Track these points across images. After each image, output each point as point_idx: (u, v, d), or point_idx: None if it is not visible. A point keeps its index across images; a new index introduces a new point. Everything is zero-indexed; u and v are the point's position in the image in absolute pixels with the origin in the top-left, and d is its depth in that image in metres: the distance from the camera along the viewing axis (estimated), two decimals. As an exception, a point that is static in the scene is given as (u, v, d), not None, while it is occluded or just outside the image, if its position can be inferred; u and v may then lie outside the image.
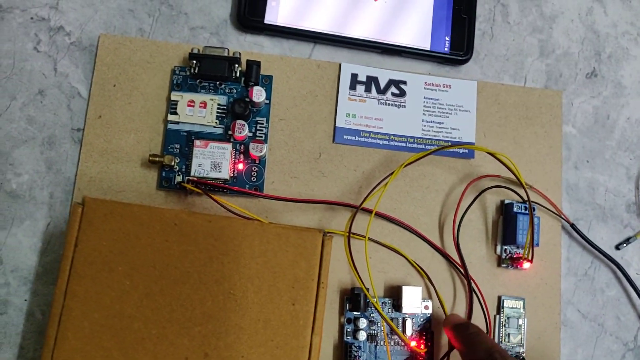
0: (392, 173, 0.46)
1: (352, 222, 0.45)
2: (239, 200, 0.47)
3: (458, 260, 0.48)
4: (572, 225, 0.51)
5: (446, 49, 0.52)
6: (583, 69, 0.55)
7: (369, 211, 0.47)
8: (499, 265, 0.50)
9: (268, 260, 0.39)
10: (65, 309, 0.37)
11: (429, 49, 0.51)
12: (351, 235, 0.46)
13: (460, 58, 0.52)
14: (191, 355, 0.37)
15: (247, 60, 0.48)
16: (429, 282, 0.48)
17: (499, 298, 0.49)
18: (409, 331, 0.47)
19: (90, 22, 0.49)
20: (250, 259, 0.39)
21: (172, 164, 0.46)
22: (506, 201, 0.50)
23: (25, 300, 0.45)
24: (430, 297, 0.48)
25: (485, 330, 0.47)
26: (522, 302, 0.49)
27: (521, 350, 0.48)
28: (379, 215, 0.48)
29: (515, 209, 0.49)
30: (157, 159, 0.45)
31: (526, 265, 0.48)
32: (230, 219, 0.39)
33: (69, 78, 0.48)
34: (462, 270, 0.48)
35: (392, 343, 0.46)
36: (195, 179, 0.45)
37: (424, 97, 0.51)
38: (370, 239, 0.48)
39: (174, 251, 0.38)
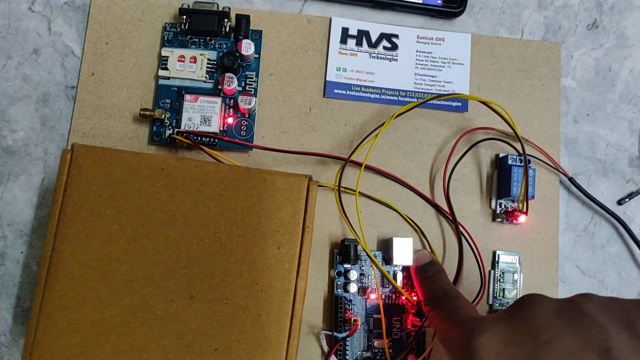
0: (382, 124, 0.45)
1: (342, 174, 0.45)
2: (229, 154, 0.47)
3: (449, 212, 0.47)
4: (571, 179, 0.50)
5: (439, 1, 0.51)
6: (584, 20, 0.53)
7: (360, 164, 0.47)
8: (493, 219, 0.49)
9: (253, 204, 0.39)
10: (55, 251, 0.38)
11: (421, 2, 0.51)
12: (341, 189, 0.46)
13: (454, 11, 0.51)
14: (177, 297, 0.38)
15: (236, 15, 0.48)
16: (421, 234, 0.48)
17: (494, 253, 0.48)
18: (400, 284, 0.46)
19: (83, -18, 0.50)
20: (236, 203, 0.39)
21: (163, 117, 0.46)
22: (501, 154, 0.49)
23: (22, 252, 0.46)
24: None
25: (480, 285, 0.46)
26: (517, 257, 0.48)
27: (516, 305, 0.47)
28: (369, 168, 0.48)
29: (509, 162, 0.48)
30: (147, 112, 0.46)
31: (521, 218, 0.47)
32: (216, 164, 0.39)
33: (63, 37, 0.49)
34: (453, 223, 0.47)
35: (383, 297, 0.46)
36: (185, 132, 0.45)
37: (417, 51, 0.51)
38: (360, 193, 0.48)
39: (161, 195, 0.39)
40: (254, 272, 0.38)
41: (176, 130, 0.46)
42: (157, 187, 0.39)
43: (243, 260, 0.38)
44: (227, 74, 0.46)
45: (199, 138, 0.46)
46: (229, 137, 0.47)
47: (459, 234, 0.47)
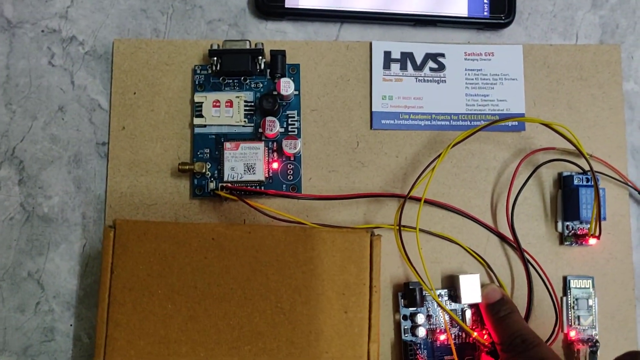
0: (439, 156, 0.42)
1: (401, 214, 0.42)
2: (277, 202, 0.44)
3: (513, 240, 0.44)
4: (641, 192, 0.46)
5: (485, 13, 0.47)
6: (641, 16, 0.49)
7: (417, 199, 0.44)
8: (561, 243, 0.46)
9: (314, 267, 0.36)
10: (109, 338, 0.35)
11: (466, 15, 0.47)
12: (401, 228, 0.43)
13: (502, 21, 0.47)
14: (243, 376, 0.35)
15: (271, 51, 0.45)
16: (487, 268, 0.45)
17: (565, 278, 0.45)
18: (469, 323, 0.44)
19: (103, 27, 0.47)
20: (295, 268, 0.36)
21: (204, 170, 0.44)
22: (564, 173, 0.46)
23: (71, 325, 0.44)
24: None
25: (554, 314, 0.44)
26: (590, 281, 0.45)
27: (594, 333, 0.45)
28: (427, 202, 0.45)
29: (575, 182, 0.44)
30: (187, 167, 0.43)
31: (592, 241, 0.44)
32: (270, 227, 0.37)
33: (88, 90, 0.46)
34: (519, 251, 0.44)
35: (453, 336, 0.43)
36: (229, 184, 0.42)
37: (465, 69, 0.47)
38: (420, 230, 0.45)
39: (214, 268, 0.36)
40: (322, 341, 0.36)
41: (219, 184, 0.43)
42: (210, 259, 0.36)
43: (309, 330, 0.36)
44: (268, 118, 0.43)
45: (243, 189, 0.43)
46: (276, 183, 0.44)
47: (525, 262, 0.44)
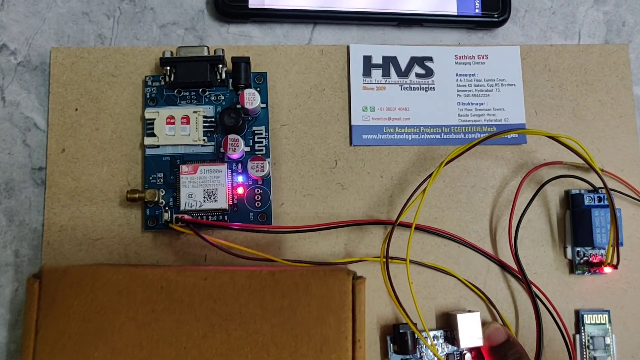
0: (430, 175, 0.36)
1: (389, 244, 0.36)
2: (244, 232, 0.38)
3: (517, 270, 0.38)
4: (658, 210, 0.41)
5: (477, 11, 0.41)
6: (650, 12, 0.44)
7: (406, 226, 0.38)
8: (571, 272, 0.40)
9: (286, 320, 0.30)
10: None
11: (455, 13, 0.41)
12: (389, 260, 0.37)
13: (495, 20, 0.42)
14: None
15: (233, 58, 0.38)
16: (488, 303, 0.39)
17: (577, 313, 0.40)
18: (470, 368, 0.38)
19: (38, 34, 0.40)
20: (263, 321, 0.30)
21: (156, 199, 0.37)
22: (572, 191, 0.40)
23: (2, 385, 0.37)
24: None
25: (567, 355, 0.38)
26: (606, 316, 0.39)
27: (612, 375, 0.39)
28: (417, 228, 0.39)
29: (586, 201, 0.39)
30: (137, 195, 0.37)
31: (608, 270, 0.39)
32: (231, 272, 0.30)
33: (21, 107, 0.39)
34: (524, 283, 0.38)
35: (452, 384, 0.38)
36: (184, 216, 0.36)
37: (456, 74, 0.41)
38: (411, 261, 0.39)
39: (164, 323, 0.30)
40: (298, 406, 0.29)
41: (174, 214, 0.36)
42: (158, 313, 0.30)
43: (283, 393, 0.29)
44: (231, 136, 0.37)
45: (200, 222, 0.37)
46: (241, 212, 0.38)
47: (533, 296, 0.38)
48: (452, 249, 0.40)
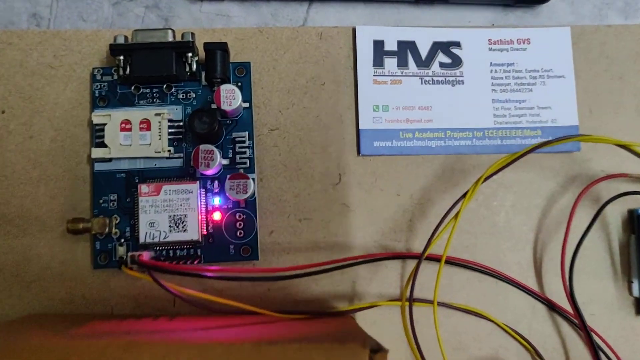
0: (464, 195, 0.28)
1: (414, 285, 0.28)
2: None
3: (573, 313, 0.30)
4: None
5: (517, -18, 0.33)
6: None
7: (433, 259, 0.30)
8: (638, 313, 0.32)
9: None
10: None
11: (490, -14, 0.33)
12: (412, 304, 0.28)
13: (540, -6, 0.33)
14: None
15: (206, 45, 0.30)
16: (535, 354, 0.31)
17: (645, 363, 0.31)
18: None
19: (-45, 15, 0.31)
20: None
21: (106, 230, 0.29)
22: (638, 211, 0.32)
23: None
24: (540, 380, 0.31)
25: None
26: (682, 367, 0.31)
27: None
28: (446, 261, 0.31)
29: (657, 224, 0.31)
30: (80, 226, 0.28)
31: (685, 310, 0.30)
32: (199, 347, 0.22)
33: None
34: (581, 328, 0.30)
35: None
36: (143, 256, 0.27)
37: (491, 64, 0.33)
38: (438, 303, 0.30)
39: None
40: None
41: (129, 254, 0.27)
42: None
43: None
44: (203, 147, 0.28)
45: (158, 266, 0.28)
46: (218, 245, 0.29)
47: (593, 346, 0.30)
48: (487, 285, 0.31)
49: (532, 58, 0.33)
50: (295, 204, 0.31)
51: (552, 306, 0.31)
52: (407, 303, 0.28)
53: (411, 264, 0.31)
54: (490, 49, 0.33)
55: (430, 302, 0.29)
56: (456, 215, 0.28)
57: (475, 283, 0.31)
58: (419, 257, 0.28)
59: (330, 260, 0.28)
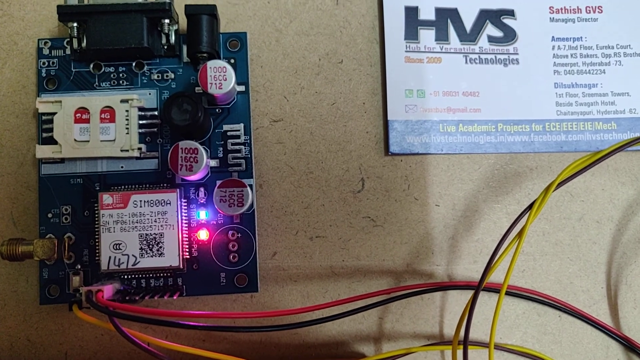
0: (530, 207, 0.21)
1: (469, 326, 0.21)
2: (213, 303, 0.22)
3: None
4: None
5: None
6: None
7: (491, 290, 0.23)
8: None
9: None
10: None
11: (552, -62, 0.26)
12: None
13: (616, -52, 0.26)
14: None
15: (188, 8, 0.22)
16: (610, 409, 0.24)
17: None
18: None
19: None
20: None
21: (56, 255, 0.21)
22: None
23: None
24: None
25: None
26: None
27: None
28: (496, 289, 0.24)
29: None
30: (19, 250, 0.21)
31: None
32: None
33: None
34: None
35: None
36: (100, 294, 0.20)
37: (553, 38, 0.26)
38: (496, 347, 0.24)
39: None
40: None
41: (81, 290, 0.20)
42: None
43: None
44: (184, 144, 0.21)
45: (142, 283, 0.21)
46: (204, 271, 0.23)
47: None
48: (549, 320, 0.25)
49: (604, 31, 0.26)
50: (304, 217, 0.24)
51: (631, 346, 0.25)
52: (461, 347, 0.21)
53: (454, 294, 0.24)
54: (551, 19, 0.26)
55: (483, 344, 0.23)
56: (520, 233, 0.21)
57: (533, 317, 0.25)
58: (472, 288, 0.21)
59: (353, 296, 0.21)
